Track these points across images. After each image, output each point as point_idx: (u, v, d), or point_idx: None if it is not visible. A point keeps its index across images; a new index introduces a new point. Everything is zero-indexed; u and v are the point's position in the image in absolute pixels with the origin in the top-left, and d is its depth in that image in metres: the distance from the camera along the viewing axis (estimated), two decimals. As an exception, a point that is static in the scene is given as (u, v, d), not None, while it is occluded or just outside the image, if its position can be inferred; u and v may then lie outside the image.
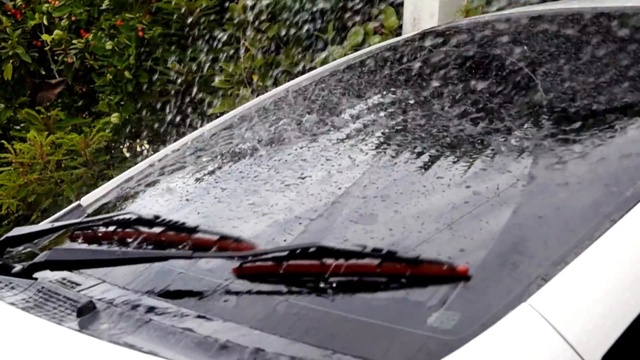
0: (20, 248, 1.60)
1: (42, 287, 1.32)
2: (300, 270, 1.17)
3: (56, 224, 1.63)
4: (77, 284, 1.33)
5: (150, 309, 1.19)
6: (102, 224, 1.53)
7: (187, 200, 1.60)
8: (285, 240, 1.28)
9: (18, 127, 4.87)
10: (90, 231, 1.55)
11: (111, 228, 1.50)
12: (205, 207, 1.53)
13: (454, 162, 1.33)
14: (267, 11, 3.51)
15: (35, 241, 1.61)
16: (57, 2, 4.55)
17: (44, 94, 4.96)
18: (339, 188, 1.36)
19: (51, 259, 1.36)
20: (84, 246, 1.54)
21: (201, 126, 2.16)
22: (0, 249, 1.54)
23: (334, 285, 1.12)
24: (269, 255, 1.20)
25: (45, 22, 4.71)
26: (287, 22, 3.43)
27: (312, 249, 1.15)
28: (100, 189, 1.87)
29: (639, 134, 1.30)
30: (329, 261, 1.13)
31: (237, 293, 1.20)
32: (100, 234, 1.52)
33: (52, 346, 1.17)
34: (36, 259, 1.39)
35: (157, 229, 1.41)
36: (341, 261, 1.13)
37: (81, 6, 4.44)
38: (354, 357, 0.97)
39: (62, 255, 1.40)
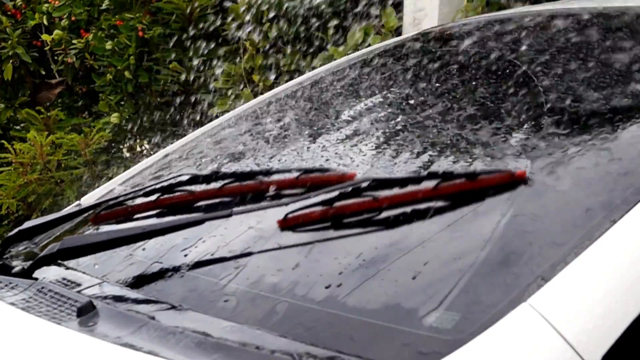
0: (21, 248, 1.60)
1: (42, 287, 1.31)
2: (354, 210, 1.12)
3: (59, 214, 1.57)
4: (77, 284, 1.33)
5: (151, 309, 1.19)
6: (117, 202, 1.49)
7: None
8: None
9: (18, 127, 4.88)
10: (103, 214, 1.50)
11: (131, 203, 1.45)
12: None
13: (454, 162, 1.33)
14: (267, 11, 3.51)
15: (36, 240, 1.61)
16: (57, 2, 4.55)
17: (44, 94, 4.96)
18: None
19: (65, 247, 1.31)
20: (102, 229, 1.51)
21: (201, 126, 2.16)
22: (12, 243, 1.52)
23: (394, 218, 1.09)
24: (318, 200, 1.14)
25: (45, 22, 4.72)
26: (288, 22, 3.43)
27: (365, 184, 1.09)
28: (100, 189, 1.87)
29: (639, 134, 1.30)
30: (384, 194, 1.09)
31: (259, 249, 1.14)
32: (115, 214, 1.48)
33: (52, 346, 1.17)
34: (45, 252, 1.35)
35: (189, 193, 1.36)
36: (397, 191, 1.09)
37: (81, 6, 4.45)
38: (354, 357, 0.97)
39: (77, 241, 1.35)
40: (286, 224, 1.19)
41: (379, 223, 1.15)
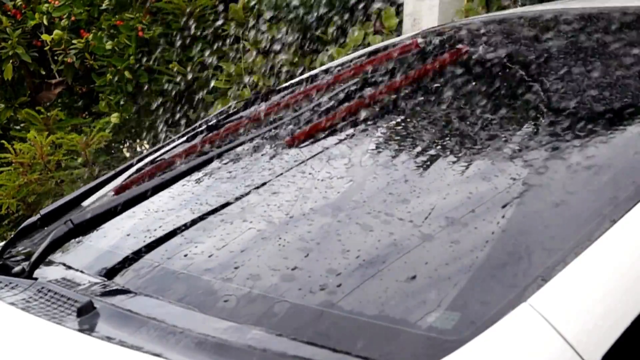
0: (21, 248, 1.59)
1: (42, 287, 1.31)
2: (356, 110, 1.24)
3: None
4: (77, 284, 1.33)
5: (151, 309, 1.19)
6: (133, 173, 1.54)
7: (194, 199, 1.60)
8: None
9: (18, 127, 4.88)
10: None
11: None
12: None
13: (454, 163, 1.33)
14: (267, 11, 3.51)
15: (35, 240, 1.61)
16: (57, 2, 4.56)
17: (44, 94, 4.97)
18: (338, 192, 1.36)
19: (79, 222, 1.30)
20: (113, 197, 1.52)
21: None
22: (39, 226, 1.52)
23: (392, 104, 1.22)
24: (320, 110, 1.26)
25: (45, 22, 4.72)
26: (288, 22, 3.43)
27: (356, 87, 1.20)
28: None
29: (638, 133, 1.30)
30: (378, 88, 1.18)
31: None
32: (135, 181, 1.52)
33: (52, 346, 1.17)
34: (56, 232, 1.33)
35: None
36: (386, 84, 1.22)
37: (81, 6, 4.45)
38: (354, 357, 0.97)
39: (88, 214, 1.34)
40: (293, 140, 1.31)
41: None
